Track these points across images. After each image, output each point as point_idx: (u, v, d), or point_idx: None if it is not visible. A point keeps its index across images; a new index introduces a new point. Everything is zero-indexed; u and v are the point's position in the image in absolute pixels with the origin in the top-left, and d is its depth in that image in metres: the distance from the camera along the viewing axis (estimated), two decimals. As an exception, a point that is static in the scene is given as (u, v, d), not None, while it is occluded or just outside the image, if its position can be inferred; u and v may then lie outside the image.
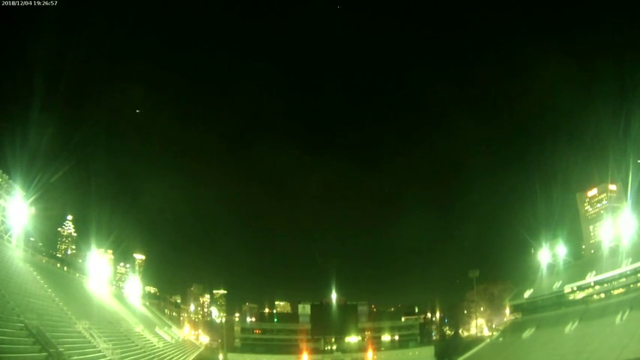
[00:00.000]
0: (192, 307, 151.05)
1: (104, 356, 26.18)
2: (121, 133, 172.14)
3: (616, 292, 42.84)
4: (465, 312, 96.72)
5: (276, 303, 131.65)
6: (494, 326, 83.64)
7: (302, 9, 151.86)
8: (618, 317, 36.11)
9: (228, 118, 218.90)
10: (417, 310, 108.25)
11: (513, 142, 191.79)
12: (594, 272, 46.62)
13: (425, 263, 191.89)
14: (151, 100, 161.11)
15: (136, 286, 71.33)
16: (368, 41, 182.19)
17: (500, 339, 58.86)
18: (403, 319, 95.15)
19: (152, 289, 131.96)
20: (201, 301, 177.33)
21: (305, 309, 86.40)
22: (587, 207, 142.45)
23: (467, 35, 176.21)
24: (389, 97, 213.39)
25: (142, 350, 36.01)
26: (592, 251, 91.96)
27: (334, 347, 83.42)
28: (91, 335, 27.65)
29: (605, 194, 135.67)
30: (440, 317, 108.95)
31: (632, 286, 40.30)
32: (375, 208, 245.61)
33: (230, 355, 78.19)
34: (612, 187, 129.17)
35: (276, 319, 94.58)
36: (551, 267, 58.14)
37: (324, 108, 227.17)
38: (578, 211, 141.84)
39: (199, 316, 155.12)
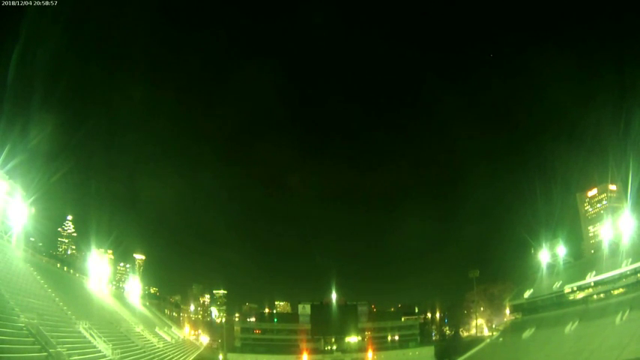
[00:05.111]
0: (192, 307, 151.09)
1: (104, 356, 26.17)
2: (121, 133, 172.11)
3: (616, 292, 42.88)
4: (465, 312, 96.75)
5: (276, 303, 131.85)
6: (494, 326, 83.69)
7: (308, 11, 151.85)
8: (618, 317, 36.15)
9: (229, 118, 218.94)
10: (417, 310, 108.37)
11: (513, 142, 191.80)
12: (594, 272, 46.65)
13: (425, 263, 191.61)
14: (152, 100, 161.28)
15: (135, 286, 71.34)
16: (372, 45, 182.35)
17: (500, 339, 58.90)
18: (403, 319, 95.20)
19: (152, 289, 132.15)
20: (201, 301, 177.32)
21: (305, 309, 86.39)
22: (587, 207, 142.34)
23: (466, 36, 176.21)
24: (389, 99, 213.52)
25: (142, 350, 36.00)
26: (592, 251, 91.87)
27: (334, 347, 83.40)
28: (91, 335, 27.64)
29: (605, 194, 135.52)
30: (440, 317, 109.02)
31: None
32: (375, 208, 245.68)
33: (230, 355, 78.17)
34: (612, 187, 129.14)
35: (276, 319, 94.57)
36: (551, 267, 58.17)
37: (325, 109, 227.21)
38: (578, 211, 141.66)
39: (199, 316, 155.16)
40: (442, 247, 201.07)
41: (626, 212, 46.46)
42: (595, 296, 45.79)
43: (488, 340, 64.33)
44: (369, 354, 79.69)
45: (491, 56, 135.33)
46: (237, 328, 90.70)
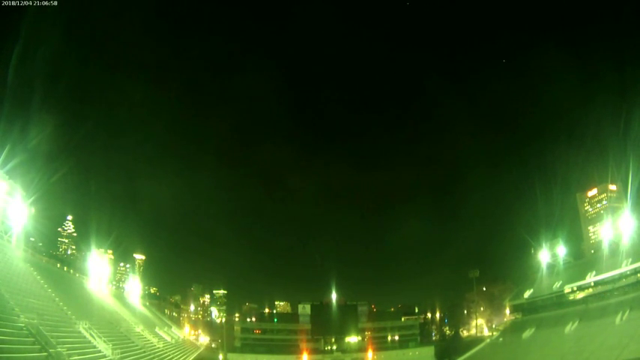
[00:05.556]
0: (192, 307, 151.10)
1: (104, 356, 26.17)
2: (121, 133, 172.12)
3: (616, 292, 42.86)
4: (465, 312, 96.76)
5: (276, 303, 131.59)
6: (494, 326, 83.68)
7: (308, 11, 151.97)
8: (618, 317, 36.17)
9: (229, 119, 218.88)
10: (417, 310, 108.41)
11: (513, 142, 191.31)
12: (594, 272, 46.67)
13: (425, 263, 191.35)
14: (152, 101, 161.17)
15: (135, 286, 71.37)
16: (372, 46, 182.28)
17: (500, 339, 58.91)
18: (403, 319, 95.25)
19: (152, 289, 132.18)
20: (201, 301, 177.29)
21: (305, 309, 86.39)
22: (587, 207, 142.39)
23: (465, 37, 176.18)
24: (389, 99, 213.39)
25: (142, 350, 36.01)
26: (592, 251, 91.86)
27: (334, 347, 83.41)
28: (91, 335, 27.65)
29: (605, 194, 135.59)
30: (440, 317, 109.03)
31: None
32: (375, 209, 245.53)
33: (230, 355, 78.19)
34: (612, 187, 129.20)
35: (276, 319, 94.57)
36: (551, 267, 58.19)
37: (326, 110, 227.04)
38: (578, 211, 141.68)
39: (199, 316, 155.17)
40: (442, 248, 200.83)
41: (626, 212, 46.51)
42: (595, 296, 45.79)
43: (488, 340, 64.33)
44: (369, 354, 79.70)
45: (504, 61, 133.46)
46: (237, 328, 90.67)
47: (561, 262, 57.21)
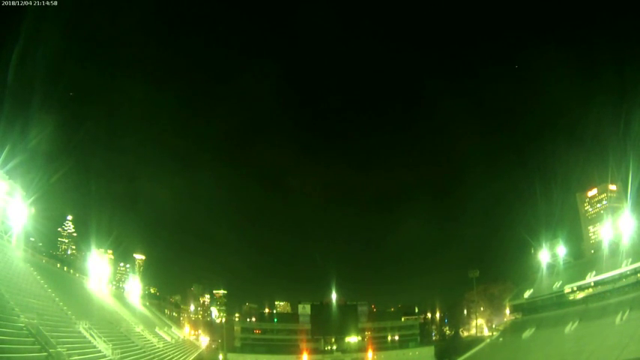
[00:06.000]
0: (192, 307, 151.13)
1: (104, 356, 26.16)
2: (121, 133, 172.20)
3: (616, 292, 42.84)
4: (465, 312, 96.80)
5: (276, 303, 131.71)
6: (494, 326, 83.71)
7: (307, 11, 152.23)
8: (618, 317, 36.16)
9: (229, 119, 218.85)
10: (417, 310, 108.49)
11: (513, 142, 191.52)
12: (594, 272, 46.66)
13: (425, 263, 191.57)
14: (152, 101, 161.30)
15: (135, 286, 71.35)
16: (372, 45, 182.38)
17: (500, 339, 58.90)
18: (403, 319, 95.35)
19: (152, 289, 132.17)
20: (201, 301, 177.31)
21: (305, 309, 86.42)
22: (587, 207, 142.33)
23: (466, 36, 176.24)
24: (389, 100, 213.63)
25: (142, 350, 35.98)
26: (592, 251, 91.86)
27: (334, 347, 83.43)
28: (91, 335, 27.63)
29: (605, 194, 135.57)
30: (440, 317, 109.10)
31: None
32: (375, 209, 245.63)
33: (230, 355, 78.21)
34: (612, 187, 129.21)
35: (276, 319, 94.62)
36: (551, 267, 58.18)
37: (326, 110, 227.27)
38: (578, 211, 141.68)
39: (199, 316, 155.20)
40: (442, 248, 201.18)
41: (626, 212, 46.48)
42: (595, 296, 45.79)
43: (488, 340, 64.34)
44: (369, 354, 79.71)
45: (516, 67, 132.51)
46: (237, 328, 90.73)
47: (561, 262, 57.20)
